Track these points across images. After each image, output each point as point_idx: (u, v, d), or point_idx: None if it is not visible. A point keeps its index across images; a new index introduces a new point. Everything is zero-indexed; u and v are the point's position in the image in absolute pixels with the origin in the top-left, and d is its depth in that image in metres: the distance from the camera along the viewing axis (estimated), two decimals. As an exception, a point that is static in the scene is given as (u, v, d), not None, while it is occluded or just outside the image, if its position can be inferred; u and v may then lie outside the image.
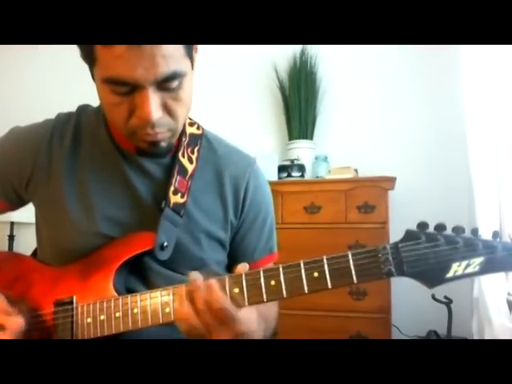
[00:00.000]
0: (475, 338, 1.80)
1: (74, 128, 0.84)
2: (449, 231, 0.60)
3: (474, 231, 0.59)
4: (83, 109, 0.88)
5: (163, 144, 0.75)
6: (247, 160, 0.91)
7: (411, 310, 2.22)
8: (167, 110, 0.71)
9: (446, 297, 1.92)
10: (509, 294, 1.72)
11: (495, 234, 0.58)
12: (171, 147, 0.79)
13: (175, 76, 0.68)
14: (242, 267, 0.66)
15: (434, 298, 1.90)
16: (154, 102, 0.68)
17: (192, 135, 0.86)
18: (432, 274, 0.59)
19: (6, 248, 2.74)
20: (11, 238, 2.79)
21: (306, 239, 2.04)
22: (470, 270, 0.58)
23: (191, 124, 0.88)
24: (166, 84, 0.68)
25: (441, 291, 1.94)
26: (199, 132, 0.88)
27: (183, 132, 0.85)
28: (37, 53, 2.98)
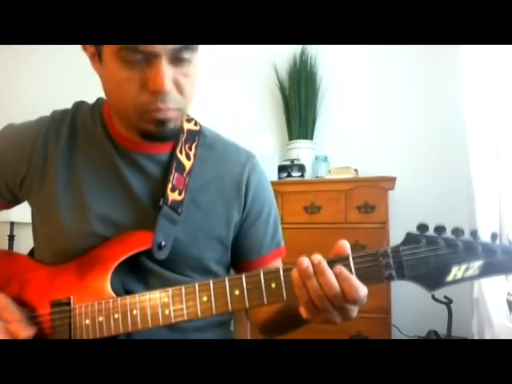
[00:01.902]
0: (475, 337, 1.80)
1: (70, 125, 0.83)
2: (448, 233, 0.60)
3: (474, 233, 0.59)
4: (78, 106, 0.87)
5: (171, 125, 0.73)
6: (246, 155, 0.90)
7: (411, 310, 2.22)
8: (177, 85, 0.71)
9: (445, 297, 1.92)
10: (509, 293, 1.72)
11: (494, 236, 0.58)
12: (177, 131, 0.77)
13: (189, 46, 0.69)
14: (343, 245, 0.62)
15: (433, 298, 1.90)
16: (167, 73, 0.68)
17: (189, 131, 0.85)
18: (432, 278, 0.59)
19: (5, 248, 2.74)
20: (11, 238, 2.79)
21: (306, 239, 2.04)
22: (469, 273, 0.58)
23: (189, 120, 0.87)
24: (180, 54, 0.69)
25: (441, 291, 1.93)
26: (197, 128, 0.88)
27: (181, 128, 0.84)
28: (36, 53, 2.98)
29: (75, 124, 0.84)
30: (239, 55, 2.70)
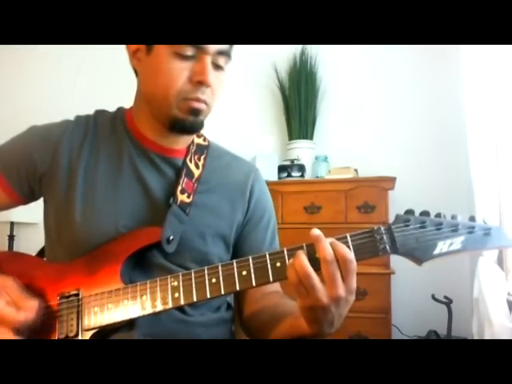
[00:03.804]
0: (475, 337, 1.80)
1: (93, 129, 0.89)
2: (432, 217, 0.68)
3: (454, 216, 0.67)
4: (100, 112, 0.93)
5: (200, 117, 0.82)
6: (250, 166, 0.98)
7: (411, 310, 2.22)
8: (212, 85, 0.80)
9: (445, 297, 1.92)
10: (509, 293, 1.72)
11: (472, 218, 0.68)
12: (203, 126, 0.85)
13: (228, 52, 0.81)
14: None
15: (434, 298, 1.90)
16: (210, 70, 0.79)
17: (199, 145, 0.93)
18: (421, 252, 0.66)
19: (5, 248, 2.74)
20: (11, 238, 2.79)
21: (306, 239, 2.03)
22: (453, 247, 0.66)
23: (199, 136, 0.95)
24: (220, 57, 0.80)
25: (441, 291, 1.94)
26: (205, 143, 0.95)
27: (192, 141, 0.92)
28: (36, 53, 2.98)
29: (97, 127, 0.90)
30: (239, 55, 2.69)
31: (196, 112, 0.81)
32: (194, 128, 0.84)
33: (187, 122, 0.82)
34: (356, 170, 2.30)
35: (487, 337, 1.67)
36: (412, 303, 2.20)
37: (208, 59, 0.78)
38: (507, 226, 1.75)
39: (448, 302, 1.91)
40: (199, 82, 0.78)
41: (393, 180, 2.11)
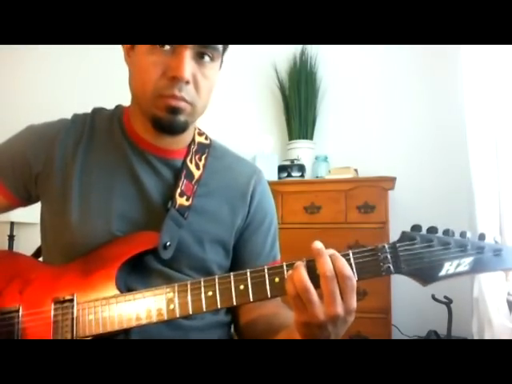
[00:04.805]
0: (475, 337, 1.80)
1: (89, 128, 0.87)
2: (440, 234, 0.65)
3: (463, 234, 0.64)
4: (97, 111, 0.91)
5: (181, 117, 0.77)
6: (253, 168, 0.95)
7: (411, 310, 2.22)
8: (195, 82, 0.76)
9: (445, 297, 1.92)
10: (509, 293, 1.72)
11: (481, 236, 0.64)
12: (186, 127, 0.81)
13: (212, 46, 0.76)
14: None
15: (434, 298, 1.90)
16: (188, 64, 0.73)
17: (200, 144, 0.90)
18: (427, 272, 0.64)
19: (5, 248, 2.73)
20: (11, 237, 2.79)
21: (306, 239, 2.02)
22: (460, 268, 0.63)
23: (200, 134, 0.92)
24: (204, 50, 0.75)
25: (441, 291, 1.94)
26: (207, 142, 0.92)
27: (192, 140, 0.89)
28: (36, 53, 2.98)
29: (94, 126, 0.88)
30: (239, 55, 2.70)
31: (173, 110, 0.76)
32: (173, 128, 0.79)
33: (165, 121, 0.77)
34: (356, 170, 2.30)
35: (487, 337, 1.67)
36: (412, 303, 2.20)
37: (186, 53, 0.73)
38: (506, 226, 1.74)
39: (448, 302, 1.91)
40: (174, 78, 0.73)
41: (393, 180, 2.11)
